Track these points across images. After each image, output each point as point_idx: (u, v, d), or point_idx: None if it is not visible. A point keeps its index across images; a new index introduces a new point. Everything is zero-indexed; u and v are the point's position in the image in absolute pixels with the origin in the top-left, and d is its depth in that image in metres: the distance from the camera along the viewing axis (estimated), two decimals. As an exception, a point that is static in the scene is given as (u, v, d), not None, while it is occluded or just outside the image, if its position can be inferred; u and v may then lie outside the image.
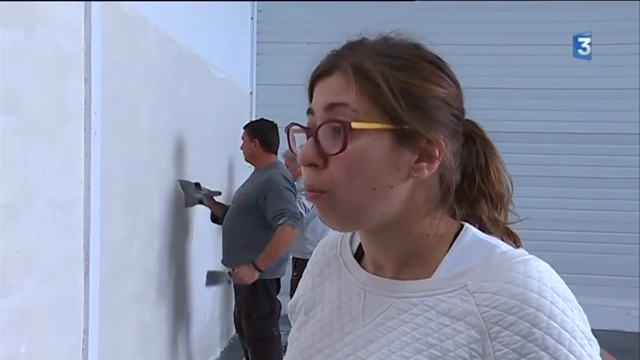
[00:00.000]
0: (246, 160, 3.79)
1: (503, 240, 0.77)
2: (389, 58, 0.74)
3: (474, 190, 0.81)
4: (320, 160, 0.73)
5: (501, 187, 0.82)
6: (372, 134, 0.72)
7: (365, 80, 0.72)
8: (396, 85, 0.72)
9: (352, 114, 0.72)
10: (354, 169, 0.72)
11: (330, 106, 0.73)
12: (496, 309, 0.67)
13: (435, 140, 0.73)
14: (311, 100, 0.78)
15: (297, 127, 0.78)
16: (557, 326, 0.66)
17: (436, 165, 0.74)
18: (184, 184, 3.60)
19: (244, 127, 3.73)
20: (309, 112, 0.77)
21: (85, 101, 2.25)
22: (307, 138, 0.75)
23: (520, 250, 0.74)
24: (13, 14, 1.84)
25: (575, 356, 0.65)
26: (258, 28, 6.01)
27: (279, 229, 3.32)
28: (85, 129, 2.25)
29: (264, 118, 3.77)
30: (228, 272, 3.50)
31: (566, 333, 0.66)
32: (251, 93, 5.90)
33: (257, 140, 3.59)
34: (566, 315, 0.67)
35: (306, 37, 5.54)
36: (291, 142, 0.79)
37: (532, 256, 0.72)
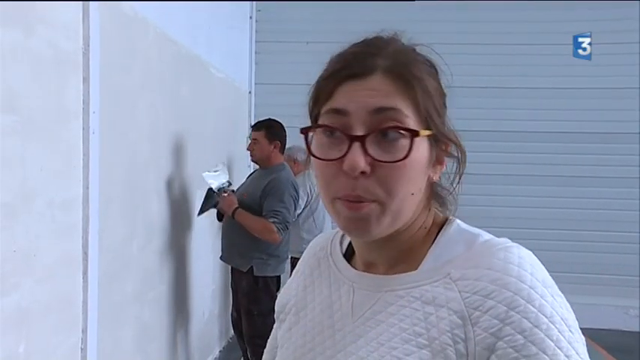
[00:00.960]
0: (255, 161, 3.75)
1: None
2: (424, 65, 0.76)
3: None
4: (367, 167, 0.70)
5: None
6: (420, 140, 0.72)
7: (419, 87, 0.73)
8: (435, 92, 0.75)
9: (404, 119, 0.71)
10: (409, 176, 0.72)
11: (379, 110, 0.71)
12: (477, 294, 0.68)
13: (453, 144, 0.77)
14: (326, 100, 0.74)
15: (326, 129, 0.73)
16: (535, 310, 0.66)
17: (444, 166, 0.78)
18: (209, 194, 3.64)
19: (256, 128, 3.67)
20: (339, 112, 0.72)
21: (83, 101, 2.25)
22: (350, 143, 0.70)
23: (503, 239, 0.75)
24: (12, 14, 1.84)
25: (552, 340, 0.65)
26: (257, 28, 6.00)
27: (267, 221, 3.39)
28: (83, 128, 2.25)
29: (272, 118, 3.71)
30: (218, 191, 3.58)
31: (543, 317, 0.66)
32: (250, 92, 5.89)
33: (278, 142, 3.61)
34: (544, 300, 0.67)
35: (305, 36, 5.55)
36: (310, 144, 0.75)
37: (514, 244, 0.73)
